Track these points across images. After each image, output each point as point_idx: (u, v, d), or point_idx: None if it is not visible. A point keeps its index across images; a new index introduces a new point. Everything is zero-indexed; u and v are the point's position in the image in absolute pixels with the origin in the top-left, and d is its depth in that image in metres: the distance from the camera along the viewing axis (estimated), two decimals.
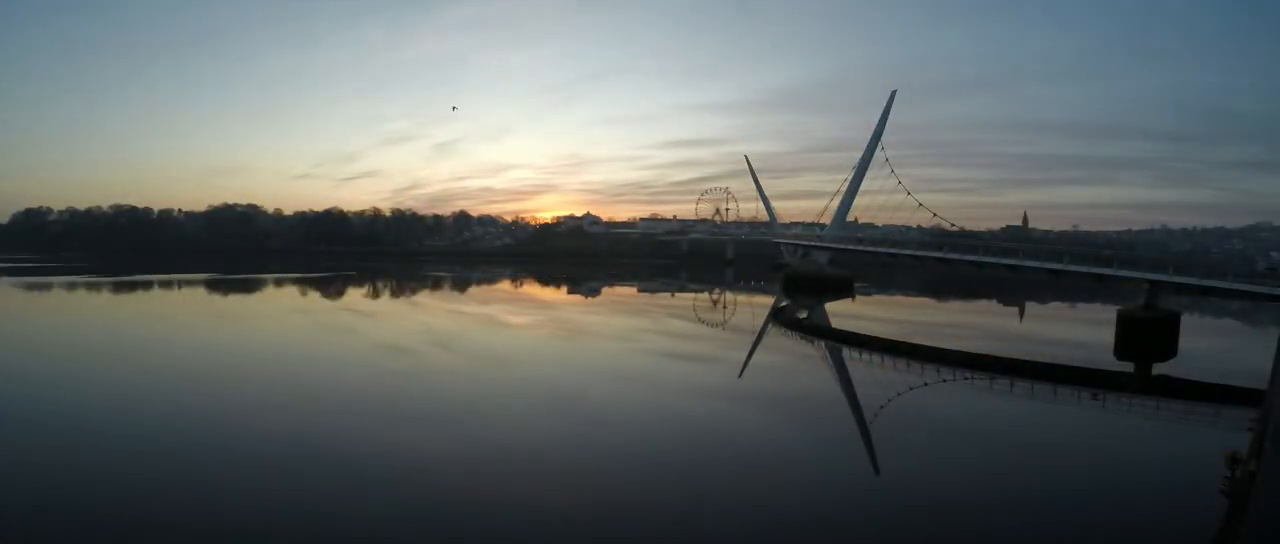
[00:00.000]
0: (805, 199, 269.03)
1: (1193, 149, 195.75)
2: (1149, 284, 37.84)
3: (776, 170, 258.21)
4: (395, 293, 69.48)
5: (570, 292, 73.63)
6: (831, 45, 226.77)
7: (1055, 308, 65.50)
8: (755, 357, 33.18)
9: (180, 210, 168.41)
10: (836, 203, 75.85)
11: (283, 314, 50.10)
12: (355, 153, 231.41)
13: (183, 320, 44.81)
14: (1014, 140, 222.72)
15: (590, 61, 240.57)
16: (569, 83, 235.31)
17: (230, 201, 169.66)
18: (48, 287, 64.62)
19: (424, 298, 64.90)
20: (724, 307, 63.21)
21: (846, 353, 34.91)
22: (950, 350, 34.48)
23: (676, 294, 76.61)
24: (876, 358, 31.74)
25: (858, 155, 74.93)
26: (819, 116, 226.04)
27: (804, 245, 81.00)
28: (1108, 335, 37.20)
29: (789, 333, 44.81)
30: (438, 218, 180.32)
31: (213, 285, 70.98)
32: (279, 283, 76.60)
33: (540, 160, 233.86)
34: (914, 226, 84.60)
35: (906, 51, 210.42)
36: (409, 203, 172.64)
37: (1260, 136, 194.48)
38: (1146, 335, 35.64)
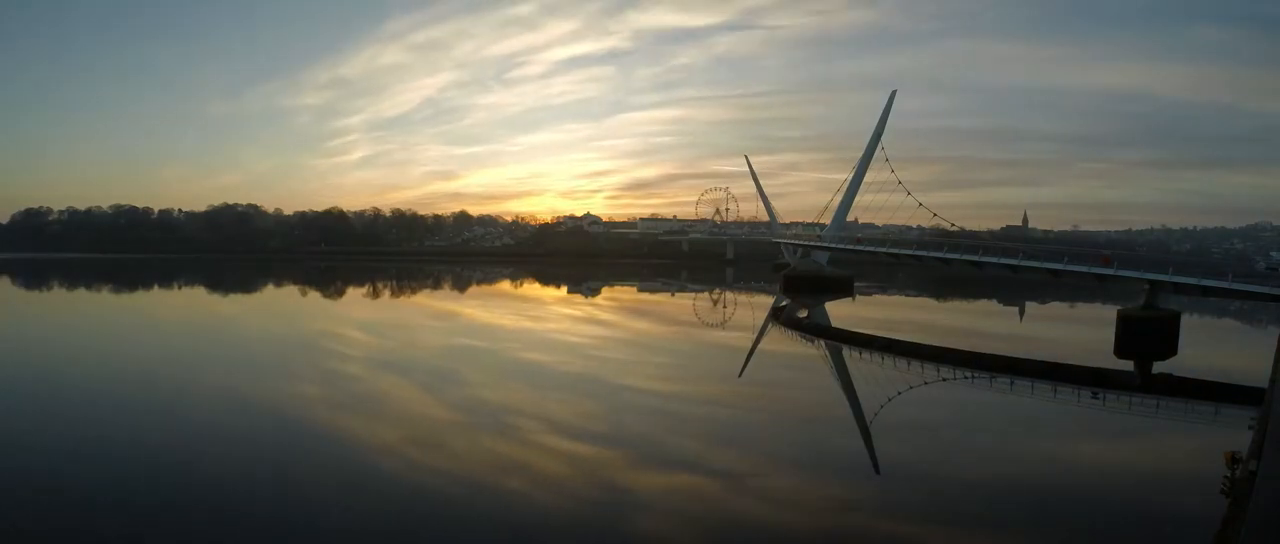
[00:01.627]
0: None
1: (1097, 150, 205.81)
2: (1149, 284, 37.81)
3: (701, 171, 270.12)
4: (396, 295, 69.67)
5: (570, 291, 73.75)
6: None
7: (1055, 308, 65.51)
8: (755, 356, 33.18)
9: (180, 210, 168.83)
10: (837, 202, 75.89)
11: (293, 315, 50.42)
12: (324, 167, 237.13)
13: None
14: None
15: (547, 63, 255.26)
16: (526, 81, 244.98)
17: (230, 201, 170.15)
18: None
19: (430, 301, 65.01)
20: (724, 306, 63.23)
21: (846, 352, 34.90)
22: (950, 349, 34.49)
23: (676, 294, 76.66)
24: (877, 357, 31.74)
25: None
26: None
27: (804, 245, 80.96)
28: (1108, 335, 37.19)
29: (789, 332, 44.82)
30: (438, 218, 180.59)
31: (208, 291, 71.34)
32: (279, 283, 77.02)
33: (509, 163, 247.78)
34: (914, 226, 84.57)
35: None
36: (387, 207, 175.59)
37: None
38: (1146, 335, 35.61)
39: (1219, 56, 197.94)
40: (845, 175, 75.23)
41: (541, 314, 48.99)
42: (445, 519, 11.96)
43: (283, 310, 53.22)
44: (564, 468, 14.83)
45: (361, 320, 45.28)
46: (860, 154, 73.84)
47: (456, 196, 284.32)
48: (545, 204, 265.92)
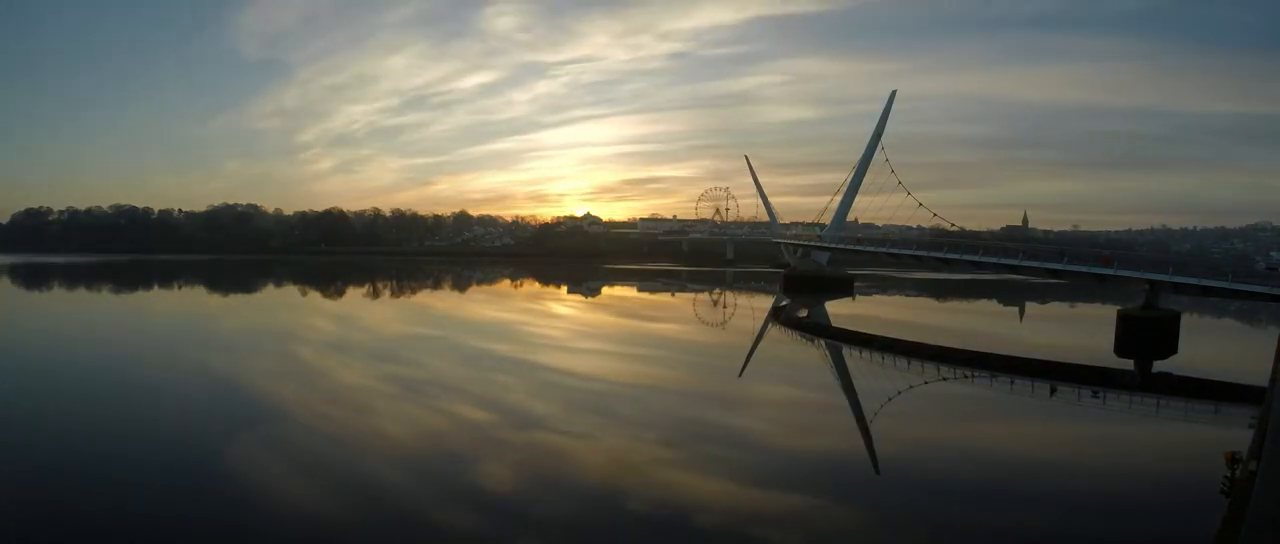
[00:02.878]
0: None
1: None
2: (1149, 284, 37.83)
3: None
4: (386, 293, 69.71)
5: (570, 291, 73.80)
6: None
7: (1055, 308, 65.49)
8: (755, 356, 33.16)
9: (180, 210, 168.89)
10: (837, 202, 75.86)
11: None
12: (304, 174, 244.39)
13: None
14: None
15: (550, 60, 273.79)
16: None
17: (230, 201, 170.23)
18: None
19: (421, 299, 65.04)
20: (724, 306, 63.20)
21: (846, 351, 34.89)
22: (950, 349, 34.46)
23: (676, 294, 76.62)
24: (877, 356, 31.71)
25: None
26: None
27: (804, 245, 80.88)
28: (1108, 334, 37.18)
29: (789, 332, 44.82)
30: (438, 218, 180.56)
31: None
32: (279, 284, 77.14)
33: (466, 172, 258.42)
34: (914, 226, 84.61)
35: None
36: (387, 207, 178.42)
37: None
38: (1146, 334, 35.63)
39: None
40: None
41: (527, 310, 49.41)
42: (325, 454, 15.61)
43: (277, 306, 53.47)
44: (446, 424, 18.61)
45: (340, 313, 50.04)
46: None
47: (431, 202, 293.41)
48: (519, 208, 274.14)
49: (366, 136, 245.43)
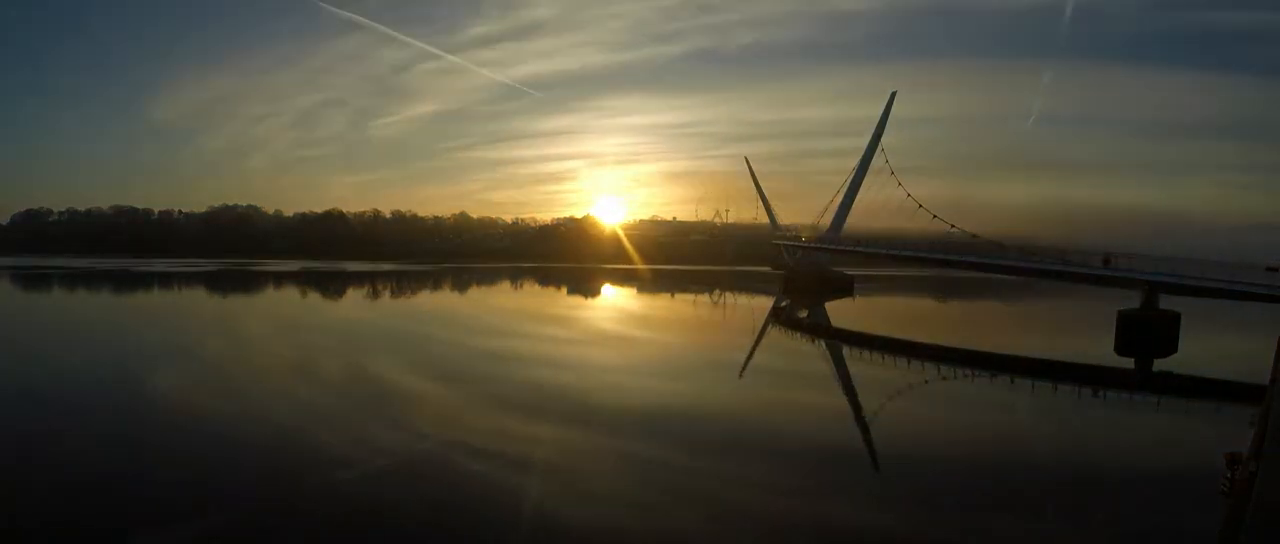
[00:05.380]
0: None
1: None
2: (1147, 285, 37.83)
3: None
4: (380, 294, 69.68)
5: (570, 293, 73.80)
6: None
7: (1056, 307, 65.46)
8: (756, 356, 33.15)
9: (180, 211, 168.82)
10: (837, 203, 75.84)
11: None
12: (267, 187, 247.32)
13: None
14: None
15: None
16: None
17: (230, 202, 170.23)
18: None
19: (418, 300, 65.00)
20: (724, 307, 63.20)
21: (846, 351, 34.89)
22: (950, 348, 34.45)
23: (675, 295, 76.57)
24: (876, 356, 31.71)
25: None
26: None
27: (804, 246, 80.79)
28: (1108, 334, 37.17)
29: (789, 332, 44.79)
30: (437, 219, 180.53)
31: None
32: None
33: (417, 185, 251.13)
34: (914, 228, 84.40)
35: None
36: (387, 208, 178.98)
37: None
38: (1146, 334, 35.61)
39: None
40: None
41: (524, 311, 49.43)
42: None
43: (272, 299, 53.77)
44: (334, 372, 25.68)
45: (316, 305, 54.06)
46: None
47: (399, 207, 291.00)
48: (472, 211, 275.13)
49: (299, 163, 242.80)
